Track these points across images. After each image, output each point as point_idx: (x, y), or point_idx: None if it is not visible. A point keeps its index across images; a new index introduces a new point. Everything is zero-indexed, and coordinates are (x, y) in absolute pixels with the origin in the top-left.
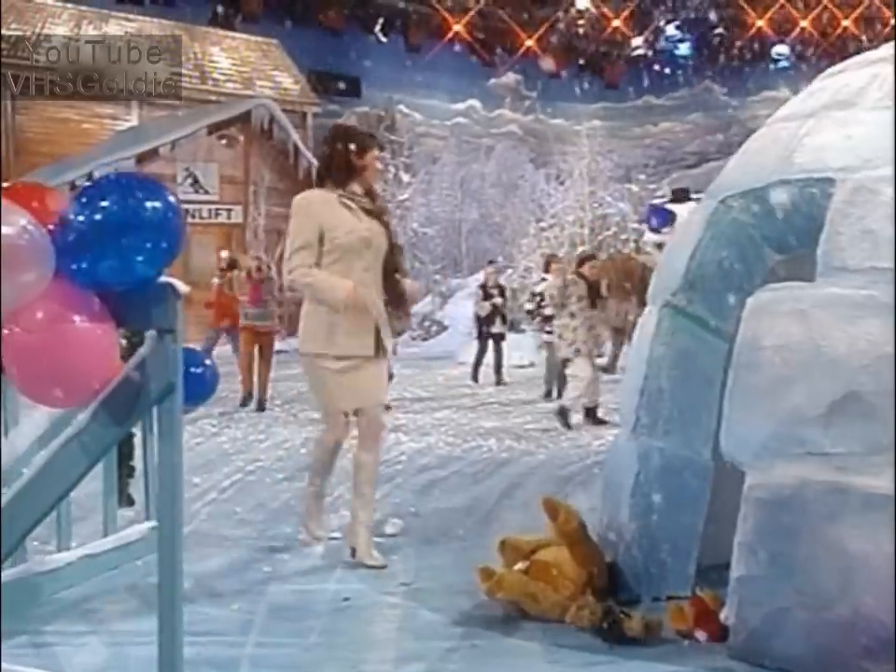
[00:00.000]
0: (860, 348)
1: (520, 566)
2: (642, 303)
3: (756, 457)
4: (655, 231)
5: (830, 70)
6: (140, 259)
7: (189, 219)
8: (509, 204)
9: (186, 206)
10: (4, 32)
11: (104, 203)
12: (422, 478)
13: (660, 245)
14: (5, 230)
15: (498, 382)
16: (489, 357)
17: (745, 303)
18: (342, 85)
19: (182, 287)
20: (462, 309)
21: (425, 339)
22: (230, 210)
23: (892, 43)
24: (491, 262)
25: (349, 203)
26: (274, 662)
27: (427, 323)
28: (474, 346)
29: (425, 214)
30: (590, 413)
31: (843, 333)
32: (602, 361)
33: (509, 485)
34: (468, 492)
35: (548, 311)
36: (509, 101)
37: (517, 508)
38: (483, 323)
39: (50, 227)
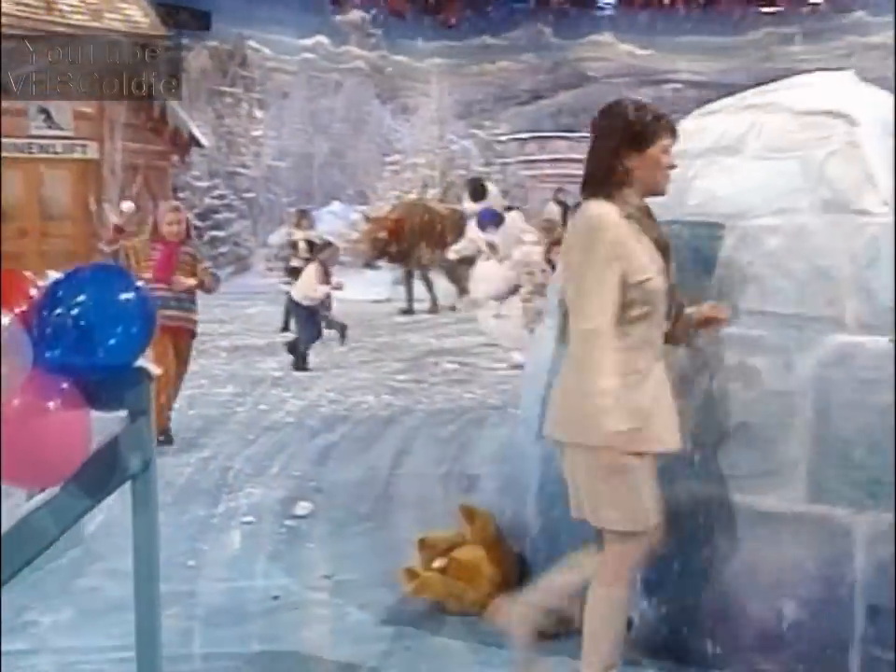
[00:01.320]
0: (749, 385)
1: (437, 563)
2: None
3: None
4: (483, 228)
5: (706, 109)
6: (114, 348)
7: (43, 155)
8: (358, 139)
9: (39, 142)
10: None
11: (78, 298)
12: (315, 444)
13: (492, 246)
14: None
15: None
16: None
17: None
18: (191, 18)
19: (154, 370)
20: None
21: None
22: (84, 146)
23: (765, 88)
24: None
25: (638, 225)
26: None
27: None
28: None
29: (277, 147)
30: None
31: (736, 369)
32: None
33: (397, 451)
34: (361, 461)
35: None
36: (354, 38)
37: (411, 479)
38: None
39: (22, 310)
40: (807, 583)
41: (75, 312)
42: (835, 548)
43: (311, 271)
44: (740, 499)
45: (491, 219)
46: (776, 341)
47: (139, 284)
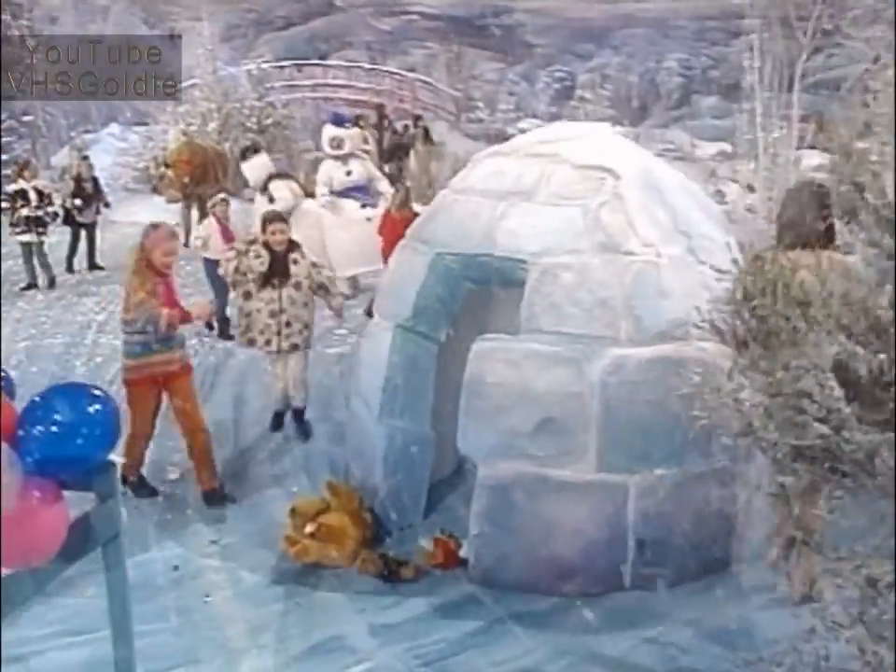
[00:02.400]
0: (552, 388)
1: (309, 528)
2: None
3: (486, 456)
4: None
5: (496, 150)
6: (89, 451)
7: None
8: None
9: None
10: None
11: (56, 416)
12: None
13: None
14: None
15: (92, 267)
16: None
17: (450, 317)
18: None
19: (118, 460)
20: (101, 161)
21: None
22: None
23: (547, 139)
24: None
25: None
26: (159, 654)
27: (66, 176)
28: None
29: None
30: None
31: (541, 377)
32: None
33: (234, 398)
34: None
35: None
36: None
37: (252, 425)
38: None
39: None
40: (596, 527)
41: (52, 427)
42: (615, 502)
43: (207, 223)
44: (549, 472)
45: (343, 120)
46: (570, 354)
47: (102, 395)
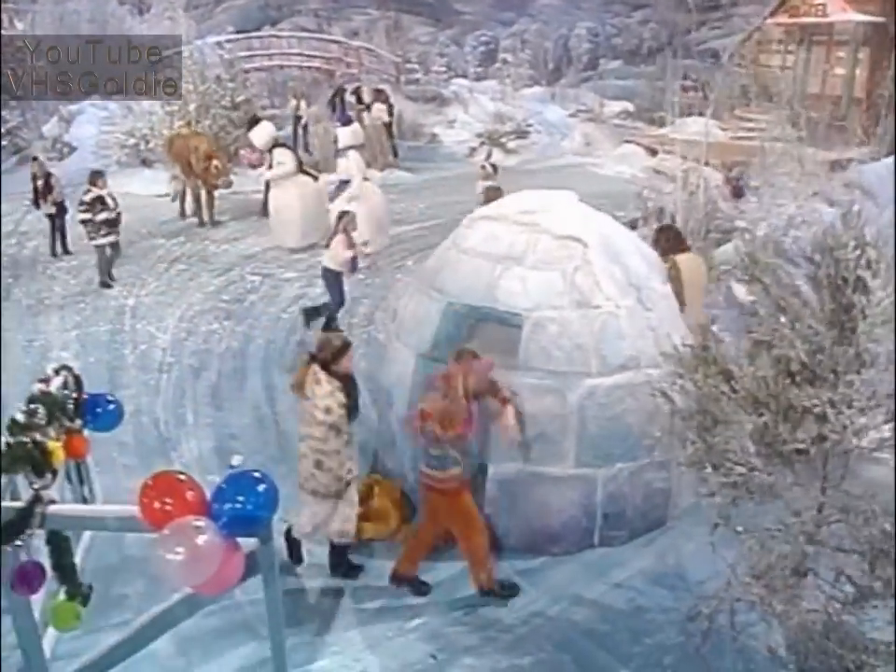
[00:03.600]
0: (543, 410)
1: (360, 509)
2: None
3: (495, 459)
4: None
5: (483, 215)
6: (259, 517)
7: None
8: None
9: None
10: None
11: (239, 497)
12: (204, 386)
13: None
14: (202, 541)
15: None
16: None
17: (457, 343)
18: None
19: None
20: (86, 131)
21: (60, 159)
22: None
23: (528, 209)
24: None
25: None
26: None
27: (58, 146)
28: None
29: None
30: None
31: (535, 402)
32: None
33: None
34: (233, 396)
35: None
36: None
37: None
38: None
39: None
40: (573, 506)
41: (236, 505)
42: (587, 489)
43: (337, 239)
44: (540, 469)
45: (345, 119)
46: (556, 386)
47: (265, 476)
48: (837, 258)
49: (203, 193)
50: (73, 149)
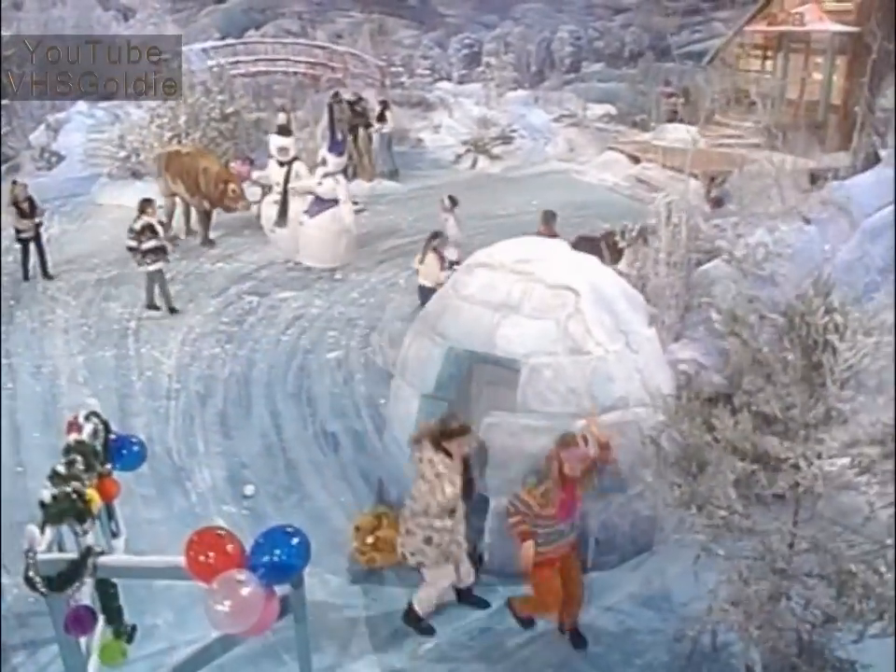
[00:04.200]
0: (539, 449)
1: (370, 539)
2: None
3: (496, 493)
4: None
5: (481, 262)
6: (294, 567)
7: None
8: None
9: None
10: None
11: (276, 551)
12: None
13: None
14: (246, 592)
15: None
16: None
17: (457, 383)
18: None
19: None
20: (73, 139)
21: (48, 168)
22: None
23: (525, 258)
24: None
25: None
26: None
27: (46, 155)
28: None
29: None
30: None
31: (531, 442)
32: None
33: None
34: (240, 424)
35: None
36: None
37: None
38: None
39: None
40: None
41: (273, 558)
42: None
43: (431, 260)
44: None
45: (339, 150)
46: (551, 426)
47: (297, 530)
48: (808, 322)
49: (199, 212)
50: (61, 158)
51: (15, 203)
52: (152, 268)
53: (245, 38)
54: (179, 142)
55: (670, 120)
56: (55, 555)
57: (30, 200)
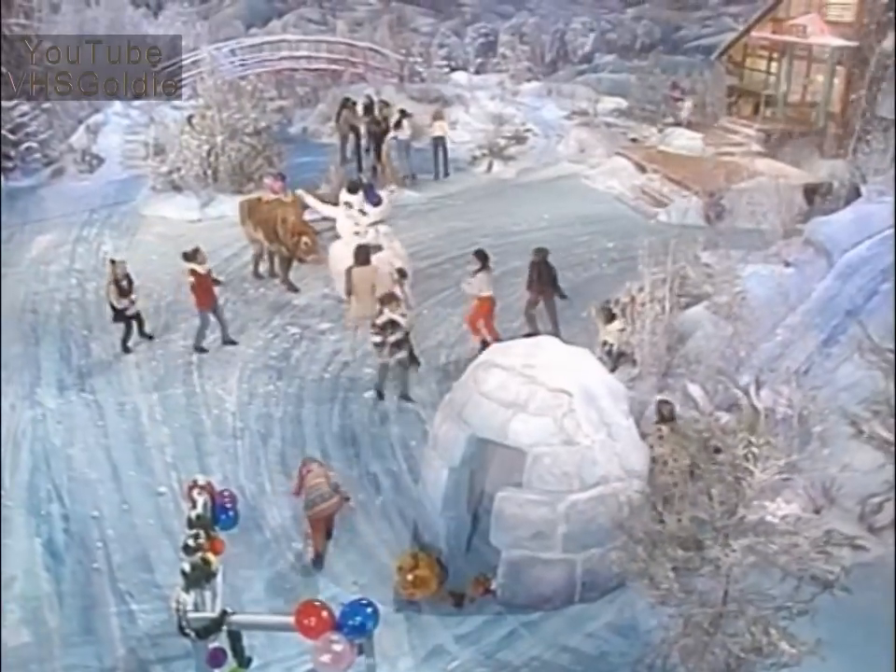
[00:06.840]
0: (539, 518)
1: (410, 577)
2: None
3: (506, 547)
4: (373, 204)
5: (494, 362)
6: (371, 629)
7: None
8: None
9: None
10: None
11: (357, 617)
12: (268, 451)
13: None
14: (339, 648)
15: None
16: None
17: (481, 460)
18: None
19: None
20: (112, 141)
21: (90, 171)
22: None
23: (532, 362)
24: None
25: None
26: None
27: (87, 158)
28: None
29: None
30: None
31: (534, 511)
32: None
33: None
34: (285, 464)
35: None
36: None
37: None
38: None
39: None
40: (562, 579)
41: (356, 623)
42: (571, 568)
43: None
44: (537, 555)
45: (375, 200)
46: (549, 500)
47: (370, 602)
48: (732, 452)
49: (279, 258)
50: (101, 161)
51: (115, 282)
52: (393, 359)
53: (267, 30)
54: (217, 158)
55: (677, 123)
56: (202, 615)
57: (128, 277)
